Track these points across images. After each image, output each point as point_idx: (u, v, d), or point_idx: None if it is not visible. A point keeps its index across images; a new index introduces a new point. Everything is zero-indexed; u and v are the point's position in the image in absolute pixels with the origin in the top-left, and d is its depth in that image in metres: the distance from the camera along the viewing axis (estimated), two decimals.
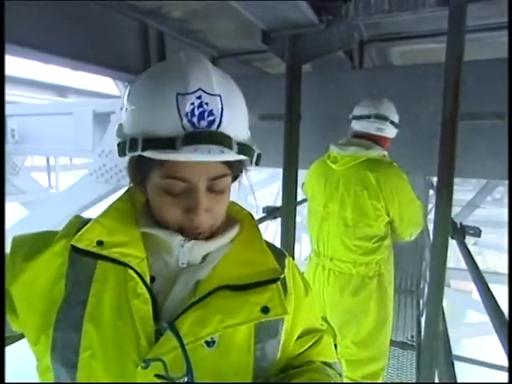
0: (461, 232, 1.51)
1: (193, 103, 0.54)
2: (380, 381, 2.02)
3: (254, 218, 0.71)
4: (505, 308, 1.06)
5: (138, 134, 0.56)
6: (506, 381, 1.00)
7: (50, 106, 4.80)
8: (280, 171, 1.83)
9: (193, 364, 0.56)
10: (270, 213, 2.14)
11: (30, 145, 4.07)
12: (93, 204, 3.67)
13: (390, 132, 1.93)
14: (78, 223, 0.65)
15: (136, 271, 0.58)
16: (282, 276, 0.64)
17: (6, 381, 0.62)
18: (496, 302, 1.09)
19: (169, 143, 0.53)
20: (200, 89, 0.54)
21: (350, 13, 1.53)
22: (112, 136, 3.30)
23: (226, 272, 0.62)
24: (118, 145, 0.59)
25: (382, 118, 1.89)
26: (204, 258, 0.64)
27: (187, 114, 0.54)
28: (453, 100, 1.32)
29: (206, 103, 0.54)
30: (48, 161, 7.01)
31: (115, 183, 3.45)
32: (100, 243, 0.59)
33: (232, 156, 0.56)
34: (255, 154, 0.62)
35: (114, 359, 0.56)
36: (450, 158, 1.35)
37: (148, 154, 0.55)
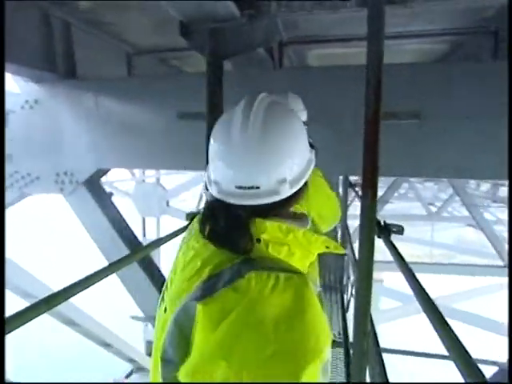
0: (386, 231, 1.55)
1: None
2: None
3: None
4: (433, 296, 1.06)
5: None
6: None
7: None
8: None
9: None
10: (192, 218, 2.02)
11: None
12: None
13: None
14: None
15: None
16: None
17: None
18: (425, 291, 1.09)
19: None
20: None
21: (272, 8, 1.48)
22: (15, 138, 2.91)
23: None
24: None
25: None
26: None
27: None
28: (375, 101, 1.33)
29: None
30: None
31: (17, 191, 3.06)
32: None
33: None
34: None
35: None
36: (373, 158, 1.36)
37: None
